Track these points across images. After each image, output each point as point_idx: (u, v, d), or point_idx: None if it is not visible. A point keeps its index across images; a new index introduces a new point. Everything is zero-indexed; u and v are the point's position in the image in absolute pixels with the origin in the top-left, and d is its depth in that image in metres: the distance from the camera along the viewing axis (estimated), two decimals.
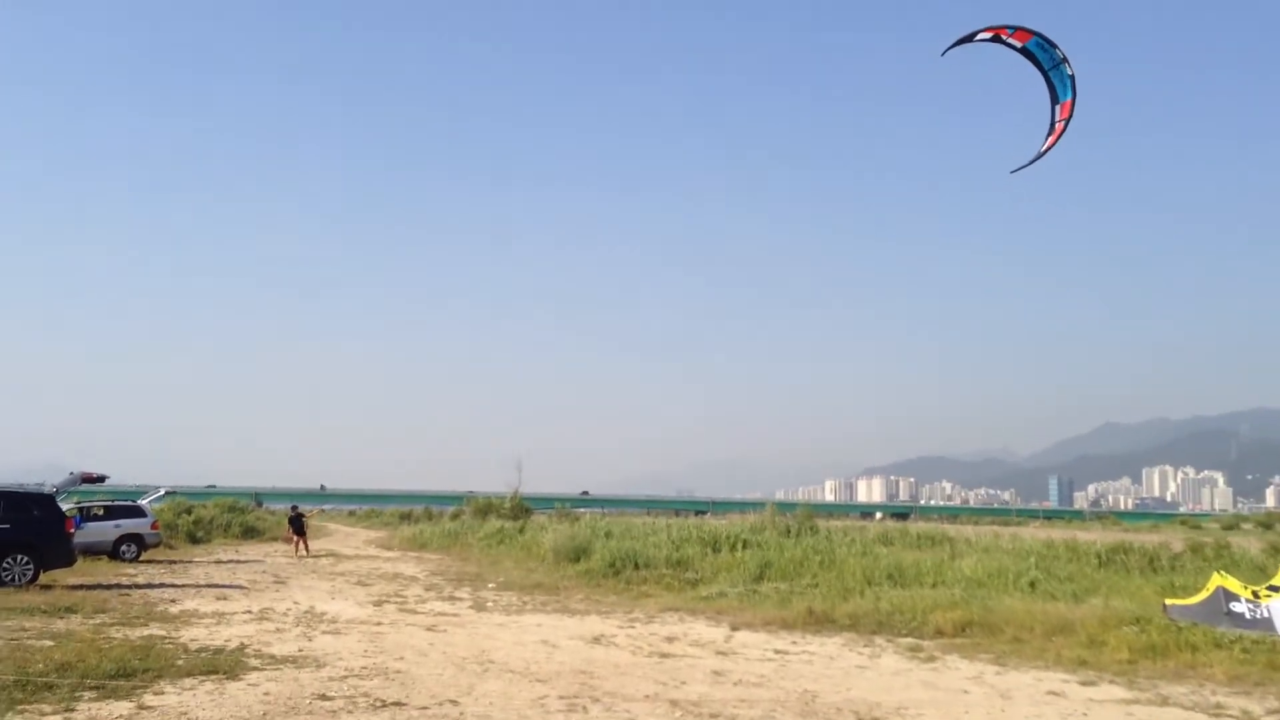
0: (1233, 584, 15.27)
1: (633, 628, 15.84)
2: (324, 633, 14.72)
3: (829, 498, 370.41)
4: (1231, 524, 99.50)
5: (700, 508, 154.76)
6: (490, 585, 23.56)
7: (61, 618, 15.41)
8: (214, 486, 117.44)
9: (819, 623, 15.84)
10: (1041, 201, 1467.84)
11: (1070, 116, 14.49)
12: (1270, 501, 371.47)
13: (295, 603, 18.92)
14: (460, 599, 20.38)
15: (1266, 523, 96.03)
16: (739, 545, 26.01)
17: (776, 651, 13.42)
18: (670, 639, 14.57)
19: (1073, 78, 14.25)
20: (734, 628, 15.75)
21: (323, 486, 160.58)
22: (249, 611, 17.20)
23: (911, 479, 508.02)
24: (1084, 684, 11.35)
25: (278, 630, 14.82)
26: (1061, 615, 15.06)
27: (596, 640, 14.38)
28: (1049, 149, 14.93)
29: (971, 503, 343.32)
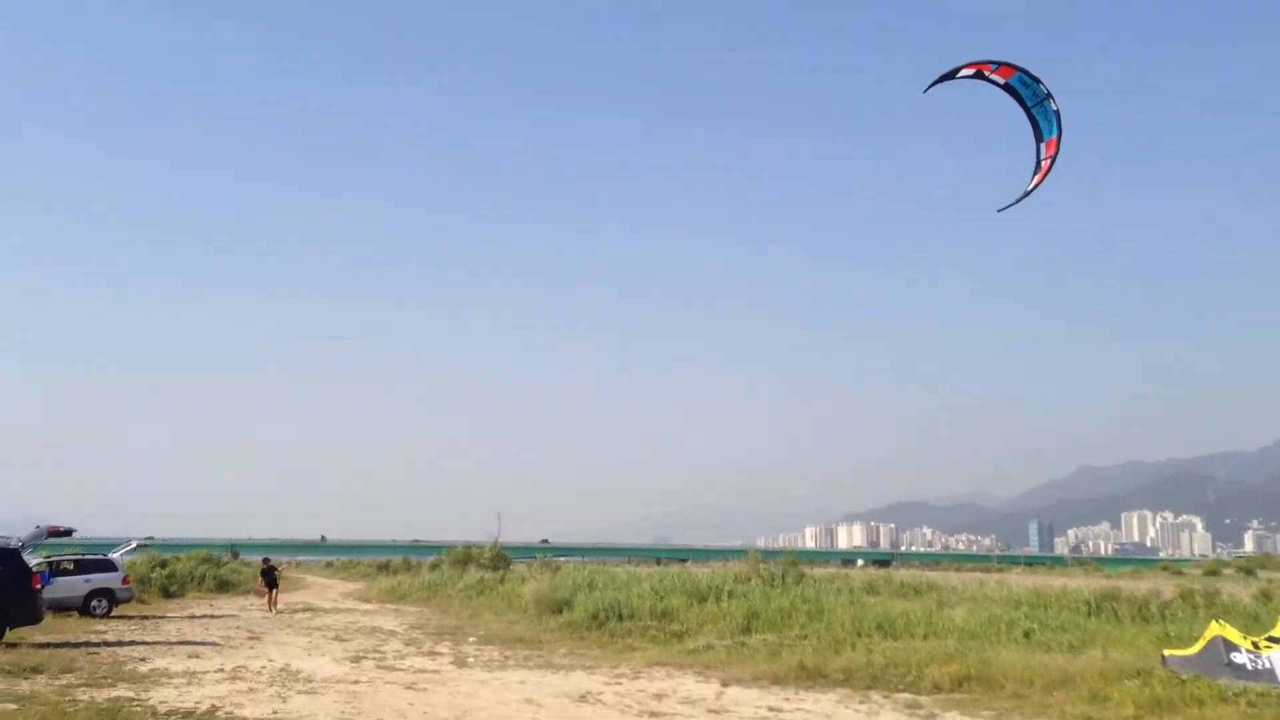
0: (1231, 634, 14.92)
1: (619, 684, 15.34)
2: (299, 692, 14.17)
3: (810, 544, 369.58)
4: (1213, 569, 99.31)
5: (680, 556, 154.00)
6: (471, 639, 22.98)
7: (26, 678, 14.79)
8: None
9: (811, 677, 15.37)
10: (1012, 243, 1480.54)
11: (1056, 154, 14.32)
12: (1249, 545, 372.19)
13: (270, 660, 18.32)
14: (441, 654, 19.81)
15: (1247, 567, 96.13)
16: (724, 595, 25.56)
17: (770, 709, 12.95)
18: (659, 696, 14.09)
19: (1058, 114, 14.10)
20: (724, 683, 15.25)
21: (324, 538, 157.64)
22: (221, 670, 16.60)
23: (892, 525, 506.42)
24: None
25: (251, 690, 14.26)
26: (1061, 668, 14.66)
27: (583, 698, 13.89)
28: (1035, 188, 14.75)
29: (952, 548, 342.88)
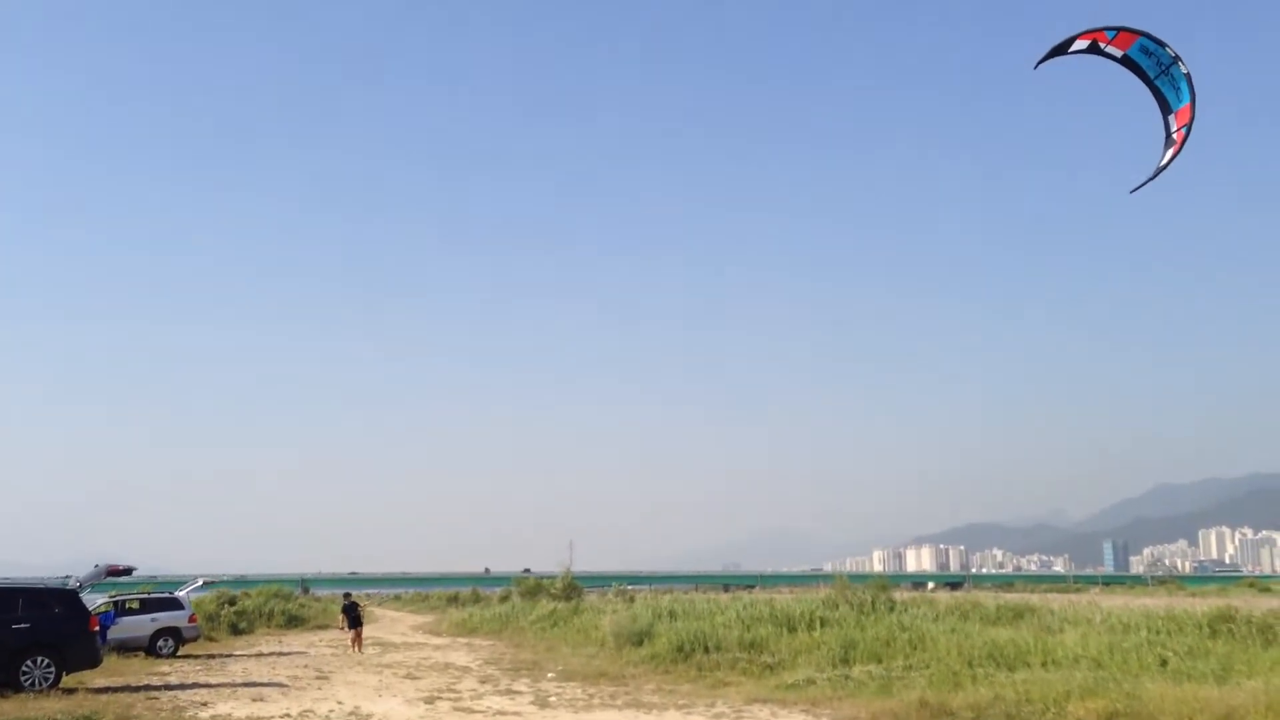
0: None
1: None
2: None
3: (877, 568, 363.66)
4: None
5: (748, 582, 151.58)
6: (550, 675, 21.67)
7: None
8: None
9: (935, 716, 13.76)
10: (1083, 256, 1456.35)
11: (1191, 121, 12.71)
12: None
13: (339, 702, 17.15)
14: (519, 693, 18.50)
15: None
16: (816, 623, 24.03)
17: None
18: None
19: (1188, 76, 12.50)
20: None
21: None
22: (287, 715, 15.47)
23: (961, 547, 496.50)
24: None
25: None
26: (1219, 700, 12.93)
27: None
28: (1170, 162, 13.15)
29: (1024, 569, 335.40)
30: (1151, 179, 13.33)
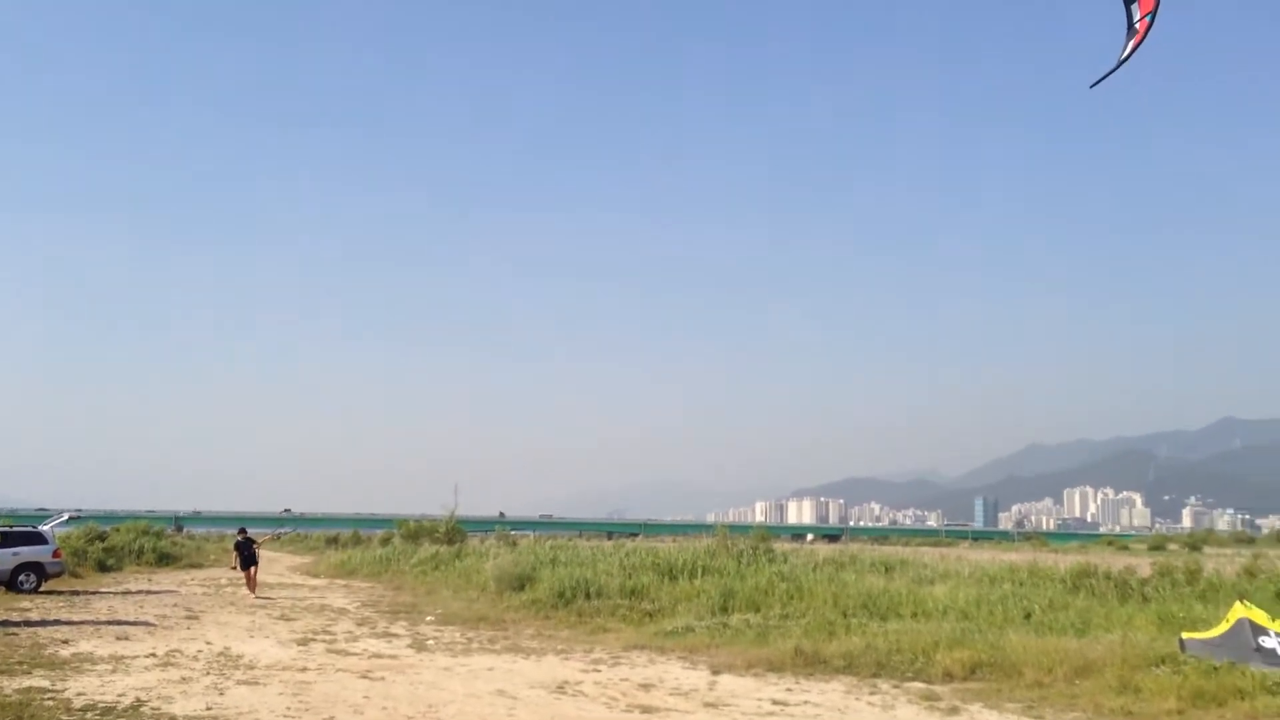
0: (1259, 616, 13.71)
1: (598, 671, 13.93)
2: (239, 682, 12.58)
3: (759, 519, 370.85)
4: (1158, 544, 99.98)
5: (632, 530, 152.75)
6: (429, 619, 21.46)
7: None
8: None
9: (809, 664, 14.01)
10: (966, 217, 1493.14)
11: (1156, 9, 12.33)
12: (1187, 522, 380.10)
13: (208, 643, 16.67)
14: (397, 635, 18.28)
15: (1192, 544, 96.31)
16: (697, 572, 24.27)
17: (775, 703, 11.58)
18: (645, 686, 12.68)
19: None
20: (714, 671, 13.87)
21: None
22: (153, 654, 14.95)
23: (841, 500, 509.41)
24: None
25: (184, 680, 12.63)
26: (1078, 653, 13.45)
27: (561, 689, 12.45)
28: (1131, 53, 12.74)
29: (900, 524, 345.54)
30: (1112, 72, 12.60)
